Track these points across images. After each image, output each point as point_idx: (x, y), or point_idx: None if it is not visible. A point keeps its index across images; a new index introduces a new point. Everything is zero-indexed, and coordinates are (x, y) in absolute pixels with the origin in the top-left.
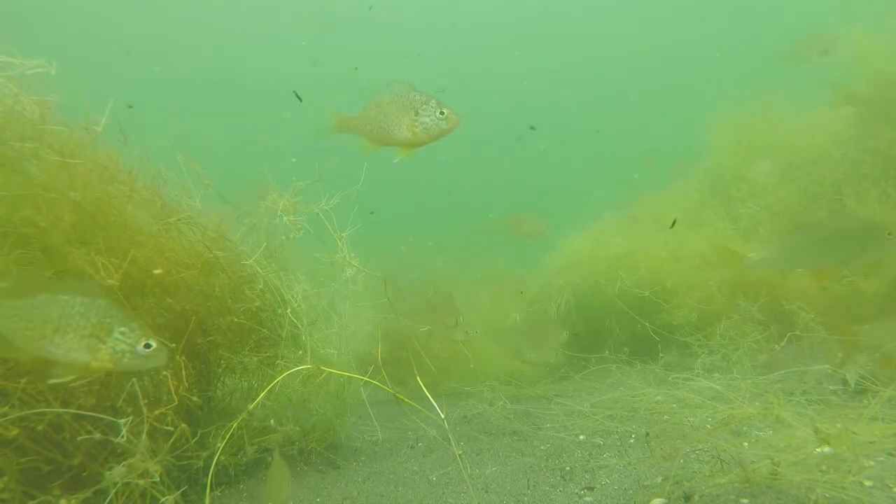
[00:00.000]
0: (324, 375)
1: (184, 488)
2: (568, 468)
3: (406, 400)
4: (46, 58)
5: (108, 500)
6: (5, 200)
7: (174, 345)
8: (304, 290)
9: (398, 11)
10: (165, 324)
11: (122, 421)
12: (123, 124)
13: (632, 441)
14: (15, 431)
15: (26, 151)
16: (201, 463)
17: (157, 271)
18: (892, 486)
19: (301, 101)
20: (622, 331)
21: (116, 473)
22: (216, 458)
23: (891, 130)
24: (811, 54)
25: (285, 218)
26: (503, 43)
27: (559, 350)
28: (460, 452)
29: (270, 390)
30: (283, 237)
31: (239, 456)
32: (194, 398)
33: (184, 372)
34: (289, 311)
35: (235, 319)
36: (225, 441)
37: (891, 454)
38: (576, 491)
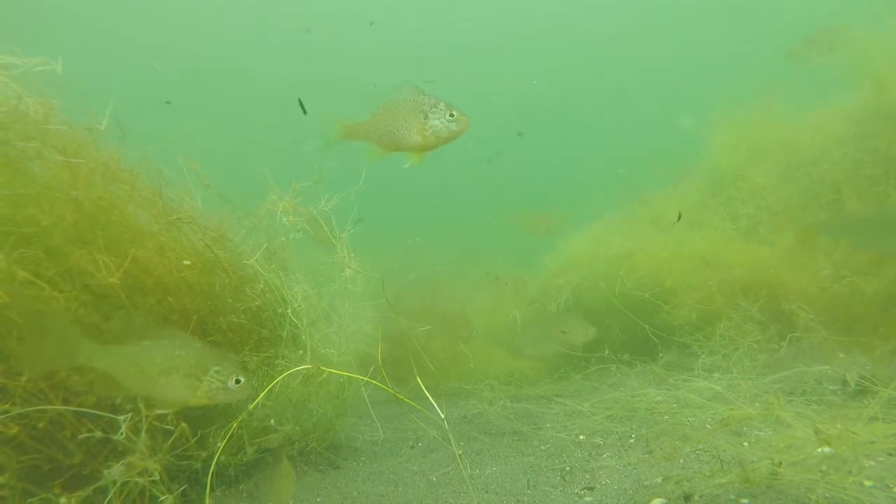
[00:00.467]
0: (324, 375)
1: (184, 487)
2: (568, 468)
3: (406, 400)
4: (48, 57)
5: (107, 499)
6: (8, 199)
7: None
8: (303, 291)
9: (399, 12)
10: (166, 322)
11: (121, 418)
12: (125, 125)
13: (632, 441)
14: (16, 429)
15: (29, 151)
16: (201, 462)
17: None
18: (892, 486)
19: (305, 112)
20: (622, 330)
21: (115, 472)
22: (216, 457)
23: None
24: (815, 52)
25: (285, 219)
26: (503, 43)
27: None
28: (460, 452)
29: (270, 390)
30: (283, 238)
31: (239, 456)
32: None
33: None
34: (289, 311)
35: (235, 319)
36: (225, 441)
37: (891, 454)
38: (576, 491)
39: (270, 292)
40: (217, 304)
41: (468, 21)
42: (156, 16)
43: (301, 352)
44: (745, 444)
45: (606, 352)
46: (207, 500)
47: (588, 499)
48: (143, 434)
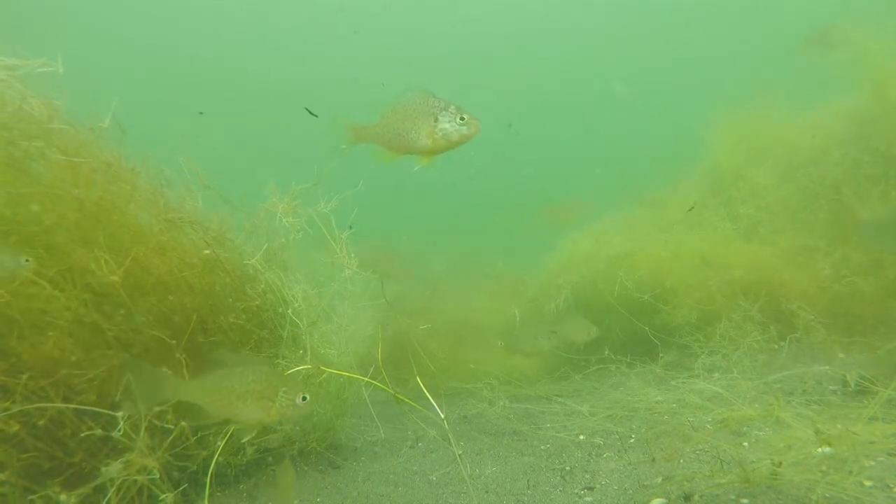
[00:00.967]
0: (324, 376)
1: (184, 486)
2: (568, 468)
3: (406, 400)
4: (48, 57)
5: (107, 498)
6: (11, 198)
7: (174, 342)
8: (303, 291)
9: (401, 14)
10: (166, 321)
11: (119, 415)
12: (126, 125)
13: (632, 441)
14: (17, 427)
15: (33, 150)
16: (201, 462)
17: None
18: (892, 486)
19: (316, 116)
20: (622, 330)
21: (113, 469)
22: (216, 457)
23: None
24: (820, 47)
25: (285, 220)
26: (503, 43)
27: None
28: (460, 452)
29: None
30: (283, 239)
31: (239, 456)
32: None
33: (185, 370)
34: (289, 310)
35: (232, 320)
36: (225, 440)
37: (891, 454)
38: (576, 491)
39: (271, 292)
40: (217, 303)
41: (467, 21)
42: (156, 16)
43: (301, 351)
44: (745, 444)
45: (606, 352)
46: (206, 500)
47: (588, 499)
48: (143, 432)
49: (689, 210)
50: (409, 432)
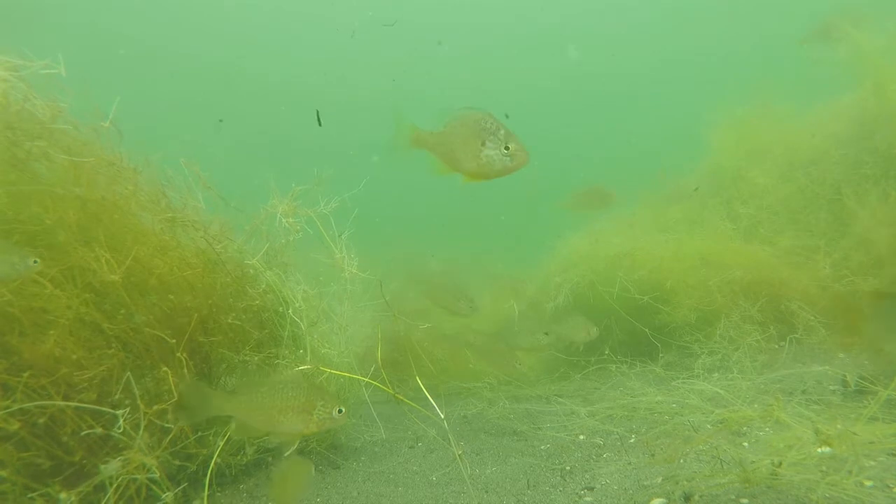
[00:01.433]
0: (324, 376)
1: (184, 485)
2: (568, 468)
3: (406, 400)
4: (49, 56)
5: (106, 497)
6: (13, 198)
7: (175, 341)
8: (303, 291)
9: (401, 14)
10: (167, 320)
11: (119, 412)
12: (125, 125)
13: (632, 441)
14: (17, 425)
15: (35, 150)
16: (201, 461)
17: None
18: (892, 486)
19: (321, 124)
20: (621, 330)
21: (112, 467)
22: (215, 456)
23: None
24: (821, 42)
25: (285, 221)
26: (502, 43)
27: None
28: (460, 452)
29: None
30: (283, 240)
31: (239, 456)
32: None
33: (186, 370)
34: (290, 310)
35: (229, 321)
36: (224, 440)
37: (891, 454)
38: (576, 491)
39: (272, 292)
40: (218, 302)
41: (468, 25)
42: (157, 15)
43: (301, 351)
44: (746, 444)
45: (607, 352)
46: (206, 500)
47: (588, 499)
48: (142, 431)
49: (695, 190)
50: (409, 432)
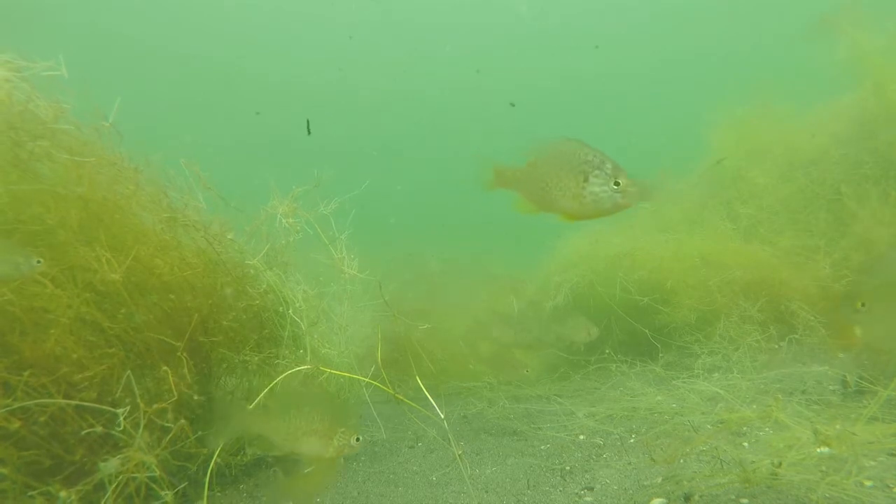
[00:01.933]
0: (325, 376)
1: (184, 484)
2: (568, 468)
3: (406, 400)
4: (51, 57)
5: (106, 496)
6: (15, 197)
7: (176, 341)
8: (303, 291)
9: (403, 14)
10: (168, 320)
11: (119, 411)
12: (126, 125)
13: (632, 441)
14: (17, 424)
15: (38, 150)
16: (201, 461)
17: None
18: (892, 486)
19: (310, 133)
20: (622, 330)
21: (111, 465)
22: (215, 456)
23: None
24: (821, 38)
25: (285, 221)
26: (502, 43)
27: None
28: (460, 452)
29: (271, 390)
30: (284, 241)
31: (239, 456)
32: (195, 396)
33: (186, 369)
34: (290, 311)
35: (226, 322)
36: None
37: (891, 454)
38: (576, 491)
39: (272, 292)
40: (218, 302)
41: (468, 25)
42: (157, 16)
43: (301, 351)
44: (745, 444)
45: (607, 351)
46: (205, 500)
47: (588, 498)
48: (142, 429)
49: (719, 162)
50: (409, 432)
